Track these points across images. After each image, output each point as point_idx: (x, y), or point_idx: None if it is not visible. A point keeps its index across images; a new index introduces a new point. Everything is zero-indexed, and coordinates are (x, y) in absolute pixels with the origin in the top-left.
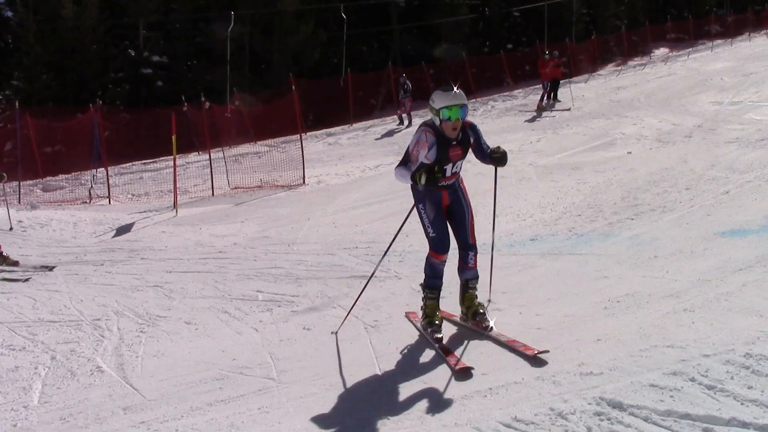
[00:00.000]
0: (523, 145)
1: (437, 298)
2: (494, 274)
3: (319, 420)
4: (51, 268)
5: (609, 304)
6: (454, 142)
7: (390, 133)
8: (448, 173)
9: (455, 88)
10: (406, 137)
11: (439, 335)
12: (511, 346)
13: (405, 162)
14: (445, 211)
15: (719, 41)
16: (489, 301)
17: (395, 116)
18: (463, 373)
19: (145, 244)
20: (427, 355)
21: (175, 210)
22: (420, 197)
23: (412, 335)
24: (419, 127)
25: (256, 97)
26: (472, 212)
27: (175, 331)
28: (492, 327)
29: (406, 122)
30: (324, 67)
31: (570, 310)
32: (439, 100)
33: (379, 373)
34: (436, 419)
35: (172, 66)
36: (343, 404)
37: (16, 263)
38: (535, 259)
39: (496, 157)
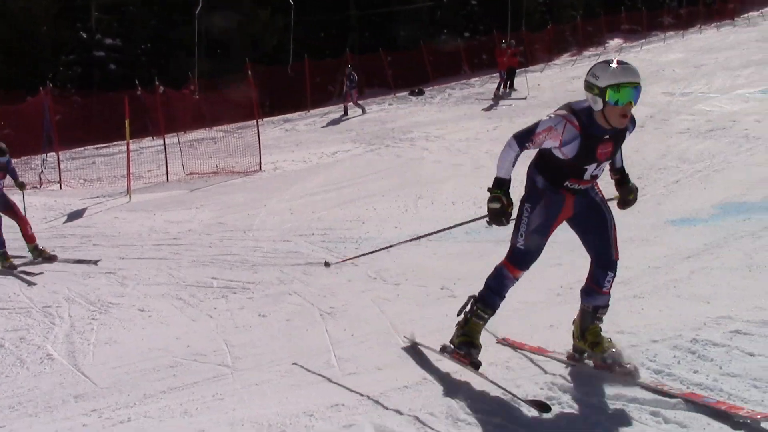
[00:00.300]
0: (479, 133)
1: (487, 321)
2: (450, 261)
3: (274, 406)
4: (95, 262)
5: (562, 291)
6: (606, 137)
7: (349, 120)
8: (587, 176)
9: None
10: (365, 124)
11: (478, 361)
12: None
13: (525, 137)
14: (559, 222)
15: (671, 33)
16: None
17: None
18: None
19: (98, 230)
20: (382, 341)
21: (128, 195)
22: (534, 195)
23: (367, 322)
24: (558, 110)
25: (212, 82)
26: (614, 221)
27: (128, 318)
28: (637, 369)
29: (359, 111)
30: (281, 53)
31: (524, 297)
32: (605, 76)
33: (335, 359)
34: (391, 404)
35: (126, 49)
36: (297, 390)
37: (53, 257)
38: (492, 246)
39: (628, 200)
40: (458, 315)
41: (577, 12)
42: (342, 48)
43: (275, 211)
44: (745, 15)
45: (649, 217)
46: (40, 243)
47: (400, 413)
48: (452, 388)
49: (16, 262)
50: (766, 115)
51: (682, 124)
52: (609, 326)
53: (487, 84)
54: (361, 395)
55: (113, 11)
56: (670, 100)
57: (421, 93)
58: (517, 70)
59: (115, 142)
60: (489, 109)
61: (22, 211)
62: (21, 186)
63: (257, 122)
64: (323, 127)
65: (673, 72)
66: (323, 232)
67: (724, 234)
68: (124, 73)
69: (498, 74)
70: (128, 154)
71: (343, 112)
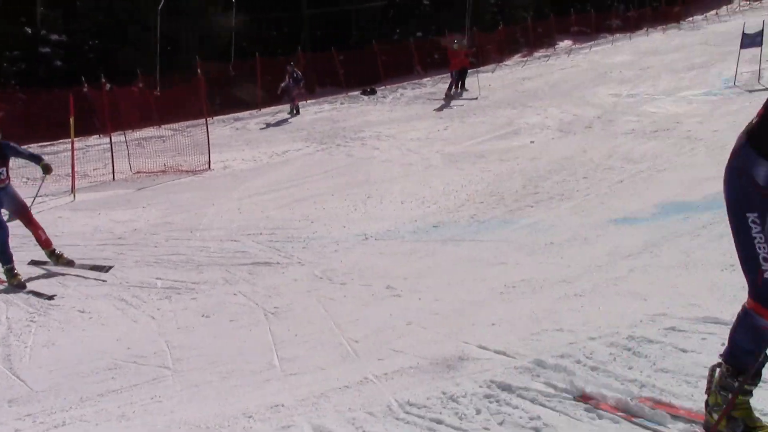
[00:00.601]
0: (430, 133)
1: (753, 388)
2: (396, 260)
3: (213, 408)
4: (108, 269)
5: (505, 290)
6: None
7: (300, 119)
8: None
9: None
10: (317, 123)
11: None
12: None
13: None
14: None
15: (619, 35)
16: None
17: (303, 102)
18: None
19: None
20: (326, 341)
21: (72, 194)
22: (756, 199)
23: (311, 322)
24: None
25: (161, 79)
26: None
27: (68, 320)
28: None
29: (295, 111)
30: (233, 51)
31: (468, 296)
32: None
33: (277, 360)
34: (331, 405)
35: (72, 45)
36: (237, 391)
37: (71, 263)
38: (437, 245)
39: None
40: (706, 394)
41: (527, 13)
42: (294, 46)
43: (223, 211)
44: (690, 18)
45: (593, 216)
46: None
47: (340, 413)
48: (393, 387)
49: (40, 270)
50: (708, 117)
51: (628, 125)
52: (549, 324)
53: (439, 84)
54: (302, 395)
55: (59, 6)
56: (617, 101)
57: (373, 92)
58: (469, 71)
59: (60, 140)
60: (440, 108)
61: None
62: (45, 169)
63: (206, 120)
64: (274, 125)
65: (620, 73)
66: (271, 232)
67: (664, 233)
68: (69, 70)
69: (449, 74)
70: (72, 152)
71: (289, 111)
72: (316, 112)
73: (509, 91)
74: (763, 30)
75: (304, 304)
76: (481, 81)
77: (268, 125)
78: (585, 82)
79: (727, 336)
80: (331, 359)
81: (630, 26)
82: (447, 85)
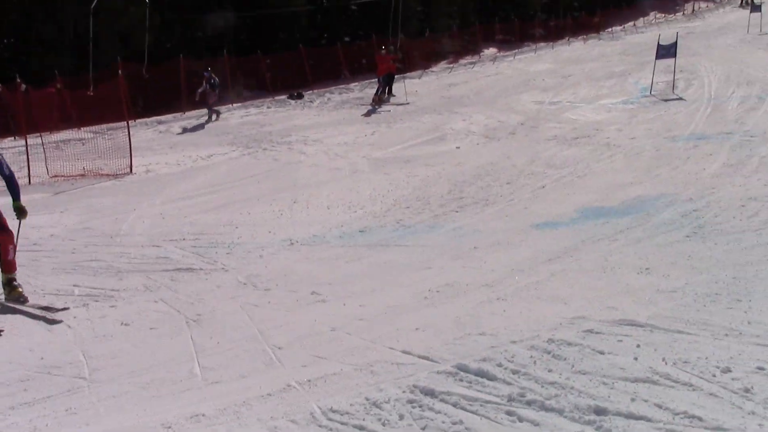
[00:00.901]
0: (357, 138)
1: None
2: (322, 265)
3: (130, 419)
4: (60, 311)
5: (429, 294)
6: None
7: (224, 122)
8: None
9: None
10: (243, 127)
11: None
12: None
13: None
14: None
15: (542, 44)
16: None
17: (229, 105)
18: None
19: None
20: (249, 348)
21: None
22: None
23: (234, 329)
24: None
25: (80, 80)
26: None
27: None
28: None
29: (214, 117)
30: (157, 52)
31: (392, 301)
32: None
33: (199, 368)
34: (253, 413)
35: None
36: (157, 402)
37: (25, 299)
38: (363, 250)
39: None
40: None
41: (453, 21)
42: (219, 49)
43: (145, 216)
44: (610, 29)
45: (516, 221)
46: None
47: (262, 421)
48: (315, 394)
49: None
50: (626, 124)
51: (551, 131)
52: (472, 328)
53: (367, 89)
54: (224, 404)
55: None
56: (540, 108)
57: (300, 97)
58: (396, 76)
59: None
60: (368, 114)
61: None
62: (19, 213)
63: (128, 123)
64: (199, 129)
65: (543, 81)
66: (195, 237)
67: (583, 237)
68: None
69: (377, 80)
70: None
71: (208, 117)
72: (242, 115)
73: (435, 97)
74: (676, 42)
75: (227, 310)
76: (408, 87)
77: (193, 129)
78: (509, 89)
79: (641, 337)
80: (253, 367)
81: (552, 35)
82: (374, 90)
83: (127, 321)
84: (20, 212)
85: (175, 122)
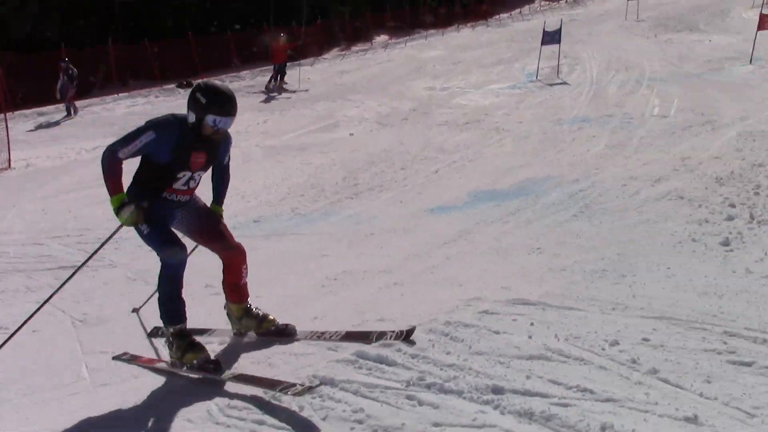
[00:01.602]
0: (249, 126)
1: None
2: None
3: (11, 429)
4: None
5: (327, 282)
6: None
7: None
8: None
9: None
10: (129, 117)
11: None
12: None
13: None
14: None
15: (433, 31)
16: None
17: (115, 95)
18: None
19: None
20: (141, 346)
21: None
22: None
23: (125, 327)
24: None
25: None
26: None
27: None
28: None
29: (72, 112)
30: (36, 41)
31: (290, 290)
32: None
33: (86, 371)
34: (147, 416)
35: None
36: (39, 409)
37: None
38: (259, 240)
39: None
40: None
41: (345, 8)
42: (104, 37)
43: (25, 212)
44: (497, 16)
45: (410, 206)
46: None
47: (157, 422)
48: (211, 391)
49: None
50: (513, 109)
51: (442, 117)
52: (371, 315)
53: (258, 77)
54: (112, 408)
55: None
56: (431, 94)
57: (189, 85)
58: (288, 64)
59: None
60: (260, 102)
61: None
62: None
63: (5, 115)
64: (83, 120)
65: (434, 68)
66: (80, 233)
67: (477, 220)
68: None
69: (273, 67)
70: None
71: (66, 113)
72: (128, 105)
73: (329, 84)
74: (561, 28)
75: (116, 309)
76: (301, 74)
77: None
78: (401, 76)
79: (534, 315)
80: (142, 369)
81: (442, 22)
82: (267, 78)
83: (5, 325)
84: None
85: (57, 114)
